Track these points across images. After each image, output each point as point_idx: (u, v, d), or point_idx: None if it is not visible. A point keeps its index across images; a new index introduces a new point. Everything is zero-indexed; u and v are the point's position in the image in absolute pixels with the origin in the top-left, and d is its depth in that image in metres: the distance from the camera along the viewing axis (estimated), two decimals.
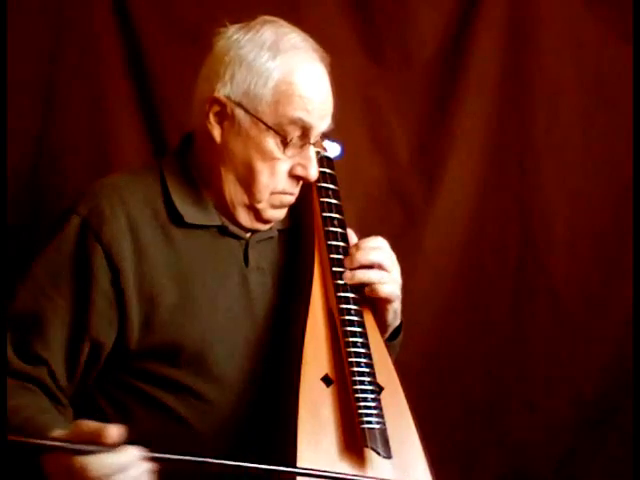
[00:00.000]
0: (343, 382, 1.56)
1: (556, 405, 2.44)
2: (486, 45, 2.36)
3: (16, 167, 2.07)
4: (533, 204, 2.43)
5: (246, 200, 1.64)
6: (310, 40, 1.65)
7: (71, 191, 2.06)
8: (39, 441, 1.30)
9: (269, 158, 1.61)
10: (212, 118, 1.62)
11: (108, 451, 1.28)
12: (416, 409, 1.64)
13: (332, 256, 1.67)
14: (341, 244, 1.68)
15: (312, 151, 1.64)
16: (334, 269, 1.65)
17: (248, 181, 1.63)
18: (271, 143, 1.60)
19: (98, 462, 1.27)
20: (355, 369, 1.56)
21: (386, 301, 1.69)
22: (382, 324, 1.72)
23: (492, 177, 2.41)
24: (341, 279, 1.65)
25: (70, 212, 1.60)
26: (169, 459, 1.33)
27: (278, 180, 1.63)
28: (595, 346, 2.44)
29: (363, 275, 1.66)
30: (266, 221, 1.68)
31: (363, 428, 1.52)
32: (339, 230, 1.70)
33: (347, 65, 2.32)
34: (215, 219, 1.67)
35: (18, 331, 1.55)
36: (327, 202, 1.72)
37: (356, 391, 1.54)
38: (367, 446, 1.51)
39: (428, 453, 1.61)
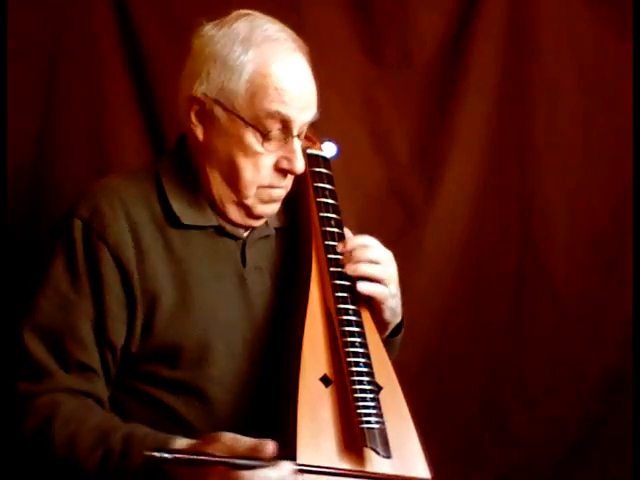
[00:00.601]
0: (342, 382, 1.56)
1: (556, 405, 2.44)
2: (486, 45, 2.36)
3: (16, 167, 2.07)
4: (533, 204, 2.43)
5: (234, 197, 1.64)
6: (287, 30, 1.64)
7: (71, 191, 2.06)
8: (209, 458, 1.35)
9: (251, 153, 1.60)
10: (194, 117, 1.62)
11: (270, 466, 1.34)
12: (416, 409, 1.63)
13: (329, 256, 1.66)
14: (338, 244, 1.68)
15: (296, 143, 1.62)
16: (332, 269, 1.65)
17: (233, 178, 1.62)
18: (251, 138, 1.59)
19: (263, 476, 1.33)
20: (354, 369, 1.55)
21: (379, 301, 1.68)
22: (381, 322, 1.71)
23: (492, 177, 2.41)
24: (339, 279, 1.64)
25: (71, 216, 1.59)
26: (318, 471, 1.40)
27: (263, 175, 1.62)
28: (595, 346, 2.45)
29: (365, 268, 1.65)
30: (258, 217, 1.67)
31: (362, 428, 1.51)
32: (336, 230, 1.69)
33: (347, 65, 2.32)
34: (212, 219, 1.66)
35: (54, 344, 1.54)
36: (324, 202, 1.72)
37: (355, 391, 1.53)
38: (366, 446, 1.50)
39: (428, 453, 1.61)
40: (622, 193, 2.42)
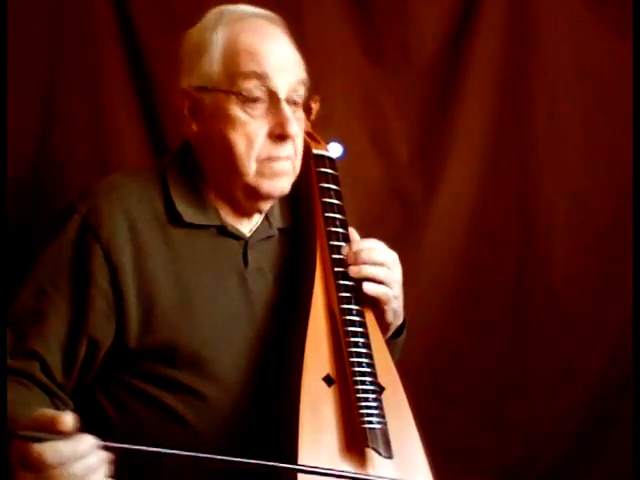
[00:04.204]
0: (344, 382, 1.56)
1: (556, 405, 2.44)
2: (486, 45, 2.37)
3: (16, 167, 2.07)
4: (533, 204, 2.43)
5: (237, 180, 1.63)
6: (261, 10, 1.67)
7: (71, 191, 2.06)
8: None
9: (239, 125, 1.60)
10: (187, 112, 1.65)
11: (63, 439, 1.27)
12: (417, 409, 1.64)
13: (334, 256, 1.66)
14: (343, 244, 1.67)
15: (286, 107, 1.61)
16: (336, 269, 1.65)
17: (230, 158, 1.61)
18: (234, 108, 1.60)
19: (53, 449, 1.26)
20: (356, 369, 1.55)
21: (383, 302, 1.68)
22: (383, 324, 1.71)
23: (492, 177, 2.41)
24: (343, 279, 1.64)
25: (70, 211, 1.60)
26: (126, 449, 1.31)
27: (258, 146, 1.61)
28: (595, 346, 2.45)
29: (370, 270, 1.65)
30: (266, 196, 1.66)
31: (364, 428, 1.51)
32: (341, 230, 1.69)
33: (347, 65, 2.32)
34: (214, 219, 1.66)
35: (17, 329, 1.55)
36: (329, 202, 1.71)
37: (357, 391, 1.53)
38: (368, 446, 1.51)
39: (429, 453, 1.61)
40: (622, 193, 2.42)
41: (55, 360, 1.56)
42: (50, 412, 1.31)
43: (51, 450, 1.26)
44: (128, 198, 1.62)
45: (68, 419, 1.27)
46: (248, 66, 1.59)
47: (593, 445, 2.45)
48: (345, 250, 1.67)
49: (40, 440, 1.27)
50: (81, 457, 1.28)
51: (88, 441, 1.29)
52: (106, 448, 1.30)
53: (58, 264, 1.58)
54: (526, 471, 2.43)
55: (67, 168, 2.15)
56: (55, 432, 1.27)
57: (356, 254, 1.65)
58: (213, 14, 1.67)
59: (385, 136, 2.38)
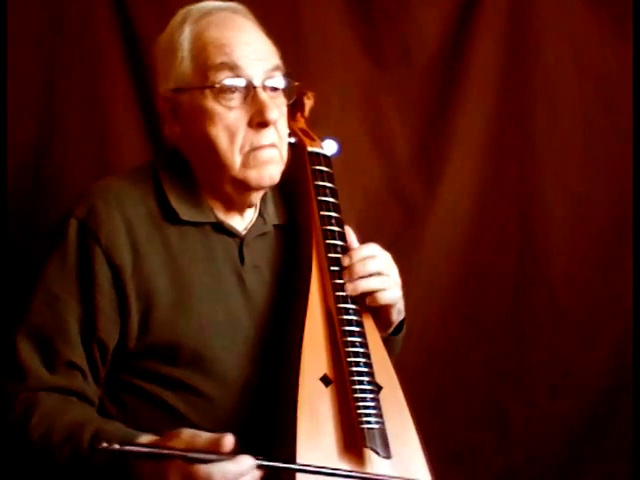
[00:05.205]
0: (342, 382, 1.56)
1: (556, 405, 2.43)
2: (486, 45, 2.36)
3: (16, 167, 2.07)
4: (533, 204, 2.43)
5: (224, 175, 1.63)
6: (226, 3, 1.68)
7: (71, 191, 2.06)
8: (163, 451, 1.36)
9: (218, 119, 1.60)
10: (168, 117, 1.65)
11: (228, 460, 1.35)
12: (416, 408, 1.64)
13: (330, 255, 1.66)
14: (339, 243, 1.67)
15: (262, 94, 1.61)
16: (332, 268, 1.64)
17: (214, 155, 1.61)
18: (210, 102, 1.60)
19: (221, 470, 1.34)
20: (354, 369, 1.55)
21: (389, 306, 1.68)
22: (387, 324, 1.72)
23: (492, 177, 2.41)
24: (339, 278, 1.64)
25: (68, 216, 1.60)
26: (279, 467, 1.40)
27: (239, 136, 1.61)
28: (595, 346, 2.44)
29: (366, 284, 1.64)
30: (256, 187, 1.65)
31: (362, 428, 1.51)
32: (337, 229, 1.69)
33: (347, 65, 2.32)
34: (210, 216, 1.66)
35: (43, 343, 1.55)
36: (325, 201, 1.71)
37: (355, 391, 1.53)
38: (366, 446, 1.51)
39: (427, 453, 1.61)
40: (622, 193, 2.42)
41: (85, 366, 1.57)
42: (208, 434, 1.38)
43: (219, 471, 1.34)
44: (124, 199, 1.62)
45: (231, 440, 1.35)
46: (217, 58, 1.60)
47: (593, 445, 2.45)
48: (345, 262, 1.66)
49: (206, 461, 1.34)
50: (242, 477, 1.36)
51: (248, 461, 1.36)
52: (260, 467, 1.38)
53: (64, 270, 1.58)
54: (526, 471, 2.43)
55: (67, 168, 2.15)
56: (219, 453, 1.35)
57: (349, 269, 1.65)
58: (179, 15, 1.67)
59: (385, 136, 2.38)
